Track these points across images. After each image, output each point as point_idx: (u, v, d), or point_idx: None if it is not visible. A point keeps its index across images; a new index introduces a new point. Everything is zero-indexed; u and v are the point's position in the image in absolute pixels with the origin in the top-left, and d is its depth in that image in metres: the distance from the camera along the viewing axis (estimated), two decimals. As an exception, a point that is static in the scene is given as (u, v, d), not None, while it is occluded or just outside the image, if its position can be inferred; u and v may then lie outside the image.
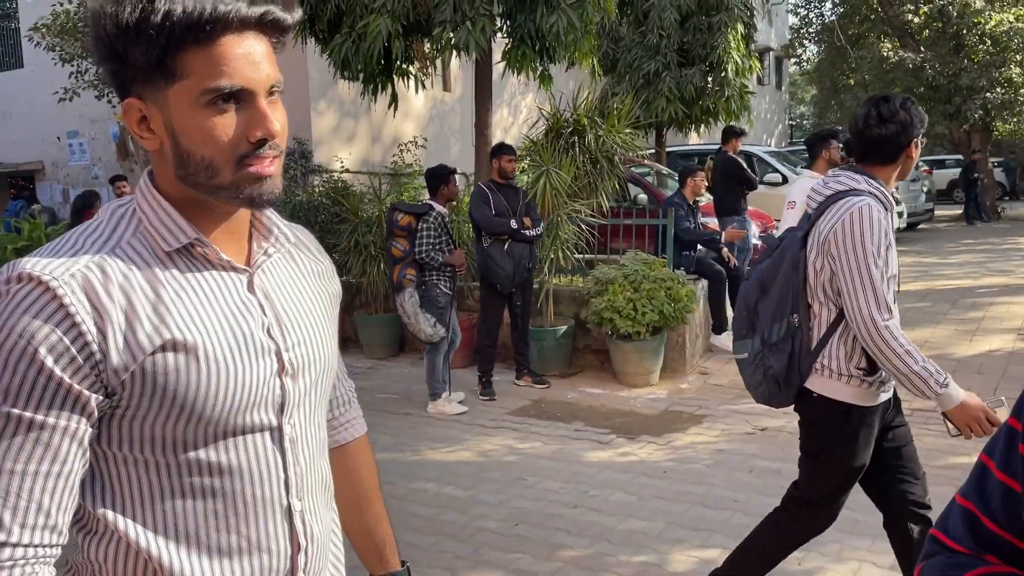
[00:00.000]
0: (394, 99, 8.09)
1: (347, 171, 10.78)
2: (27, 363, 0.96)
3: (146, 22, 0.96)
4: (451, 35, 6.95)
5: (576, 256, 7.39)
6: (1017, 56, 19.03)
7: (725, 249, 7.81)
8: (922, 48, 19.33)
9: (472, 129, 8.70)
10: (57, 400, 0.98)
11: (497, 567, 3.69)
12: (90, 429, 1.02)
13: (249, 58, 1.02)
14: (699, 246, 7.72)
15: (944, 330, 7.90)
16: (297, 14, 1.12)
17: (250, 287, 1.13)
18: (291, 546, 1.17)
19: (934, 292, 9.87)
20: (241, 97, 1.03)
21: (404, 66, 8.00)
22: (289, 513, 1.17)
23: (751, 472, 4.67)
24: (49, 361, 0.96)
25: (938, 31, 19.78)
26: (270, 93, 1.07)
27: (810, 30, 24.88)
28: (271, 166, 1.07)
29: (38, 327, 0.96)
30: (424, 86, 8.48)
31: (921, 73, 18.94)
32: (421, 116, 14.24)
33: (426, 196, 6.60)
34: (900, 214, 13.96)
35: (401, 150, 11.46)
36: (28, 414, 0.96)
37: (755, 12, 11.97)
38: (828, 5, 23.72)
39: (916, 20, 19.86)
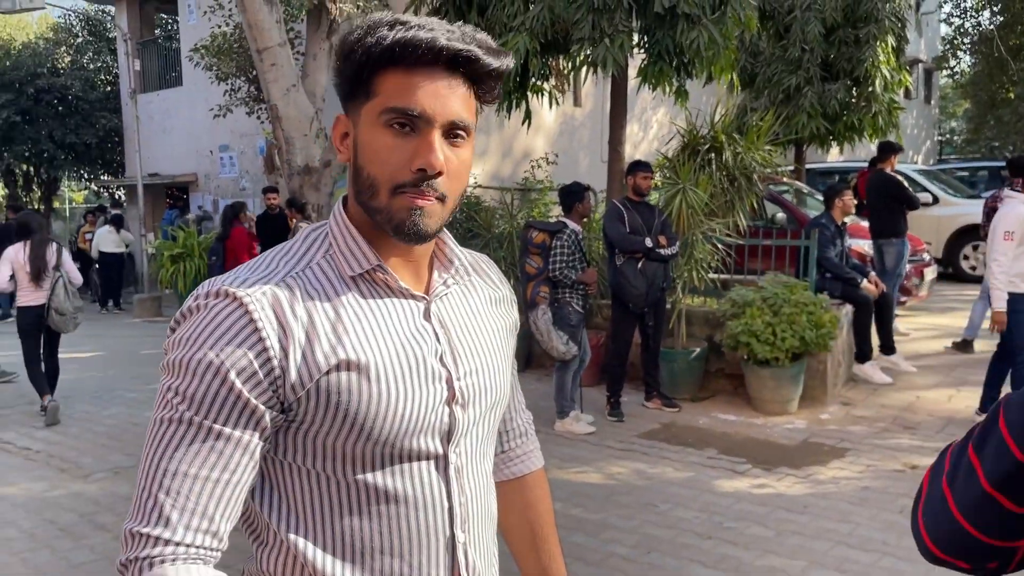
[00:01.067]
0: (527, 115, 8.15)
1: (479, 186, 10.92)
2: (213, 374, 1.02)
3: (360, 44, 1.04)
4: (588, 52, 6.94)
5: (711, 276, 7.23)
6: None
7: (872, 275, 7.48)
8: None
9: (601, 144, 8.69)
10: (235, 413, 1.03)
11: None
12: (262, 443, 1.07)
13: (435, 90, 1.04)
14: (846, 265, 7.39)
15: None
16: (508, 61, 1.11)
17: (426, 315, 1.16)
18: None
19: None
20: (417, 126, 1.05)
21: (539, 83, 8.06)
22: (452, 544, 1.17)
23: (900, 512, 4.41)
24: (233, 375, 1.02)
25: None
26: (452, 133, 1.08)
27: (965, 40, 23.60)
28: (427, 202, 1.07)
29: (228, 342, 1.02)
30: (558, 102, 8.51)
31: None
32: (551, 131, 14.32)
33: (556, 212, 6.62)
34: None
35: (533, 166, 11.52)
36: (207, 422, 1.02)
37: (907, 23, 11.44)
38: (987, 14, 22.36)
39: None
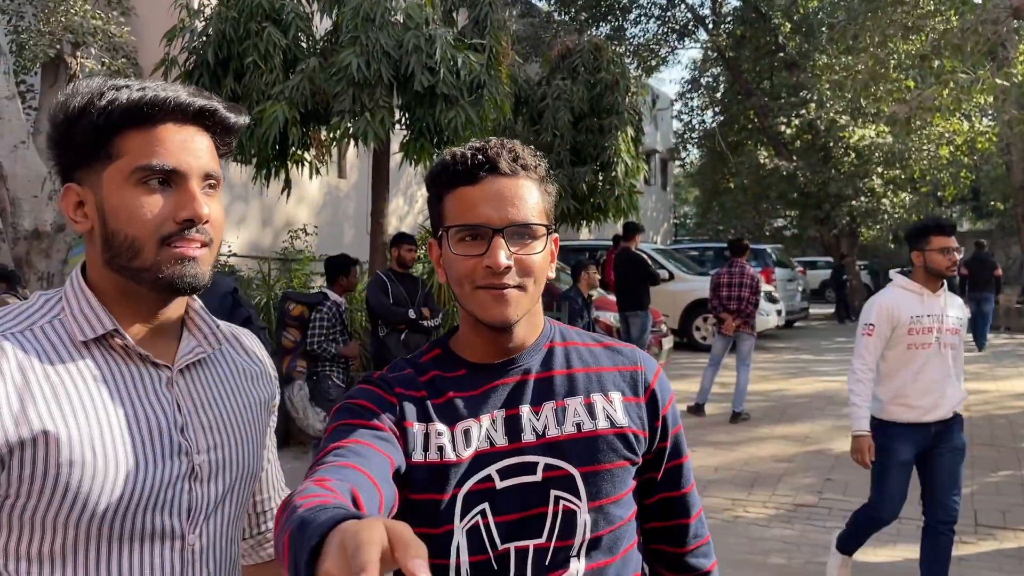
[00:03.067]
0: (287, 185, 7.95)
1: (235, 255, 10.46)
2: None
3: (92, 106, 1.00)
4: (349, 125, 6.93)
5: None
6: (879, 168, 20.43)
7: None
8: (794, 157, 20.56)
9: (367, 216, 8.64)
10: None
11: None
12: None
13: (185, 144, 1.04)
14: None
15: (823, 425, 8.15)
16: (245, 118, 1.15)
17: (169, 384, 1.09)
18: None
19: (813, 388, 10.24)
20: (173, 180, 1.03)
21: (300, 152, 7.92)
22: None
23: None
24: None
25: (808, 142, 21.12)
26: (207, 184, 1.07)
27: (693, 135, 26.16)
28: (197, 250, 1.05)
29: None
30: (319, 172, 8.39)
31: (794, 180, 20.09)
32: (315, 201, 14.09)
33: (319, 283, 6.44)
34: (779, 312, 14.51)
35: (292, 236, 11.23)
36: None
37: (643, 116, 12.45)
38: (710, 113, 25.05)
39: (788, 131, 21.16)
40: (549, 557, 1.18)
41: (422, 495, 1.17)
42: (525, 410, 1.22)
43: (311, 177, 8.33)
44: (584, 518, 1.19)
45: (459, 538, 1.17)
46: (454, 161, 1.19)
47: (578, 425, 1.22)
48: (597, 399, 1.25)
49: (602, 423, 1.23)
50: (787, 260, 19.11)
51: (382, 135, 7.01)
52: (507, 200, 1.16)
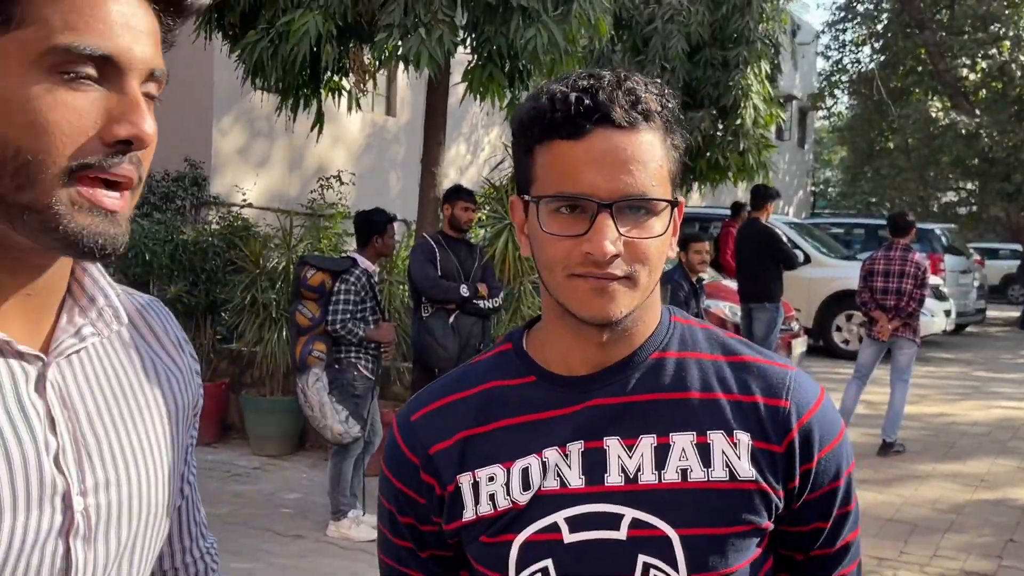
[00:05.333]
0: (319, 118, 7.89)
1: (250, 206, 10.49)
2: None
3: None
4: (399, 43, 6.77)
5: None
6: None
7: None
8: (978, 112, 19.82)
9: (415, 160, 8.51)
10: None
11: None
12: None
13: (126, 21, 0.85)
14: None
15: (1005, 465, 7.78)
16: None
17: (39, 385, 0.90)
18: None
19: (991, 415, 9.77)
20: (106, 74, 0.84)
21: (336, 78, 7.83)
22: None
23: None
24: None
25: (998, 93, 20.36)
26: (146, 87, 0.88)
27: (843, 79, 25.49)
28: (117, 197, 0.86)
29: None
30: (360, 106, 8.29)
31: (976, 142, 19.39)
32: (355, 144, 14.15)
33: (352, 246, 6.31)
34: (947, 312, 13.92)
35: (323, 185, 11.20)
36: None
37: (780, 49, 12.08)
38: (867, 50, 24.23)
39: (972, 77, 20.44)
40: None
41: (489, 539, 1.15)
42: (613, 443, 1.13)
43: (350, 111, 8.23)
44: None
45: None
46: (551, 104, 1.07)
47: (684, 472, 1.11)
48: (716, 439, 1.13)
49: (718, 472, 1.11)
50: (961, 246, 18.48)
51: (439, 58, 6.79)
52: (620, 164, 1.06)
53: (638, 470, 1.11)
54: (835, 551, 1.21)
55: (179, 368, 1.12)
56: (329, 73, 7.64)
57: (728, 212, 11.41)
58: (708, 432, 1.12)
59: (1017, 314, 20.29)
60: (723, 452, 1.11)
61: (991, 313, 20.52)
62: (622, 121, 1.05)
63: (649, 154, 1.07)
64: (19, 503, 0.85)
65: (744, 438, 1.12)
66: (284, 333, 7.25)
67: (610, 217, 1.04)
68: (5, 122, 0.82)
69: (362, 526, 5.75)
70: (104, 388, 0.99)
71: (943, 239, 16.85)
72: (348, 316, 5.60)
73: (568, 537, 1.11)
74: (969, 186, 23.02)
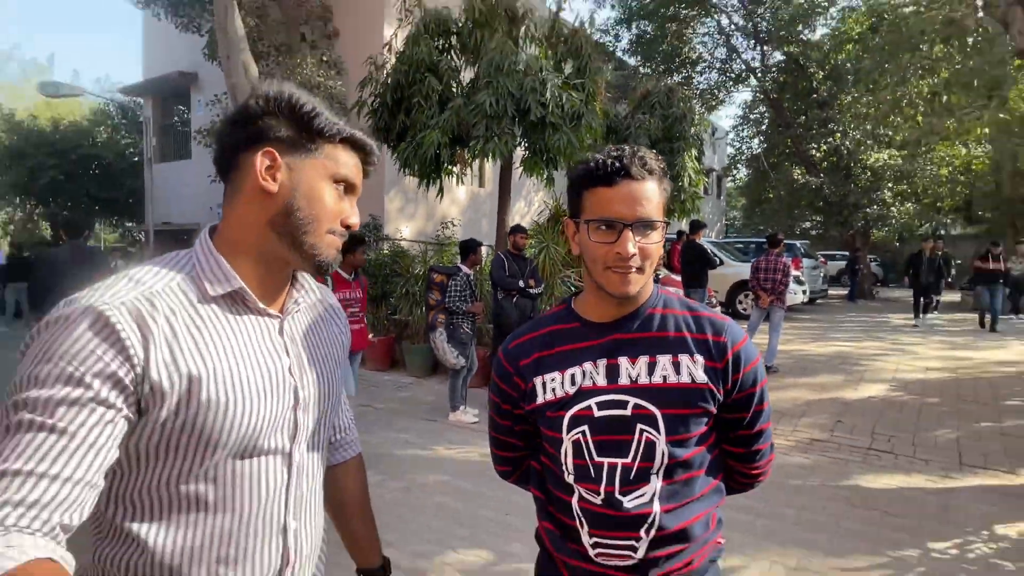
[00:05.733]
0: (441, 190, 7.90)
1: (404, 239, 10.59)
2: (66, 381, 0.74)
3: (318, 114, 0.93)
4: (483, 146, 6.78)
5: (566, 310, 7.09)
6: (889, 184, 18.74)
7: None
8: (822, 174, 19.06)
9: (495, 214, 8.50)
10: (86, 413, 0.74)
11: (491, 548, 3.33)
12: (113, 443, 0.76)
13: (359, 169, 0.99)
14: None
15: (836, 379, 7.50)
16: (376, 154, 1.06)
17: (280, 331, 0.97)
18: (280, 561, 0.94)
19: (829, 350, 9.44)
20: (349, 191, 0.98)
21: (449, 167, 7.86)
22: (284, 531, 0.94)
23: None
24: (89, 378, 0.75)
25: (833, 163, 19.54)
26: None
27: (742, 158, 24.71)
28: (337, 249, 0.98)
29: (88, 349, 0.76)
30: (463, 182, 8.31)
31: (820, 192, 18.63)
32: (462, 202, 14.11)
33: (459, 260, 6.36)
34: (804, 291, 13.52)
35: (444, 227, 11.26)
36: (57, 422, 0.72)
37: (704, 142, 11.80)
38: (756, 141, 23.47)
39: (818, 155, 19.69)
40: (633, 473, 1.11)
41: (552, 414, 1.15)
42: (623, 361, 1.13)
43: (458, 184, 8.28)
44: (662, 448, 1.10)
45: (567, 446, 1.14)
46: (595, 166, 1.09)
47: (664, 377, 1.12)
48: (683, 359, 1.13)
49: (684, 378, 1.12)
50: (812, 253, 17.97)
51: (506, 153, 6.82)
52: (636, 200, 1.07)
53: (638, 376, 1.12)
54: (753, 432, 1.21)
55: (340, 322, 1.14)
56: (446, 164, 7.65)
57: (675, 236, 11.19)
58: (679, 355, 1.13)
59: (846, 292, 19.57)
60: (688, 366, 1.12)
61: (831, 292, 19.84)
62: (637, 175, 1.07)
63: (652, 194, 1.08)
64: (273, 392, 0.92)
65: (700, 359, 1.13)
66: (422, 309, 7.30)
67: (630, 232, 1.07)
68: (304, 198, 0.92)
69: (467, 415, 5.80)
70: (309, 331, 1.03)
71: (802, 249, 16.46)
72: (457, 298, 5.63)
73: (597, 413, 1.12)
74: (817, 218, 22.15)
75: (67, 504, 0.72)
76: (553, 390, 1.14)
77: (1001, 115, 6.96)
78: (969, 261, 23.43)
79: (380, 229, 11.61)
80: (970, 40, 6.28)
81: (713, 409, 1.13)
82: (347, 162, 0.96)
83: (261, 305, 0.94)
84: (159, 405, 0.81)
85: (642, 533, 1.10)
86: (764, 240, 10.11)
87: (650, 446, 1.10)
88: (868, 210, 18.43)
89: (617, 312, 1.15)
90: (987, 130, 8.19)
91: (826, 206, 19.28)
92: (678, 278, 8.83)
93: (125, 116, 20.68)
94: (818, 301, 17.52)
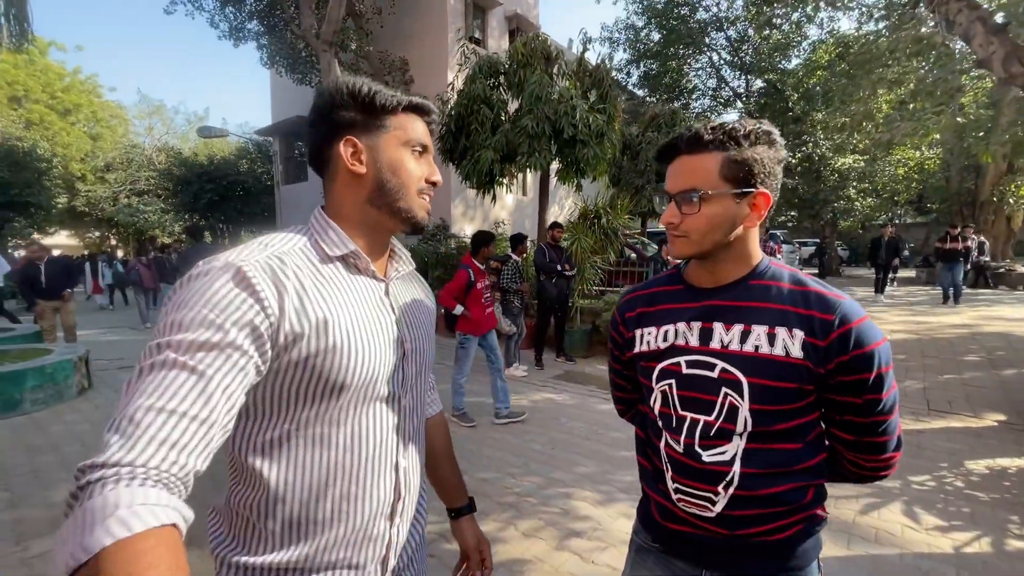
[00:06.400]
0: (494, 197, 7.74)
1: (467, 237, 10.49)
2: (207, 326, 0.65)
3: (382, 93, 0.81)
4: (527, 161, 6.55)
5: (594, 288, 6.85)
6: (853, 183, 17.56)
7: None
8: (797, 177, 17.99)
9: (537, 215, 8.29)
10: (223, 357, 0.64)
11: (540, 475, 3.20)
12: (246, 387, 0.67)
13: (427, 132, 0.87)
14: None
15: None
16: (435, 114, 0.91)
17: (386, 292, 0.86)
18: (393, 494, 0.84)
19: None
20: (424, 152, 0.85)
21: (500, 179, 7.68)
22: (396, 468, 0.84)
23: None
24: (229, 324, 0.66)
25: (806, 167, 18.42)
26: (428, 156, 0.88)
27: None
28: (429, 203, 0.86)
29: (227, 298, 0.67)
30: (511, 191, 8.11)
31: (796, 192, 17.62)
32: (509, 207, 13.89)
33: (509, 250, 6.19)
34: (783, 271, 12.80)
35: (496, 226, 11.09)
36: (193, 363, 0.63)
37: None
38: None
39: (793, 161, 18.59)
40: (714, 430, 0.91)
41: (645, 363, 0.99)
42: (718, 326, 0.92)
43: (506, 193, 8.08)
44: (744, 414, 0.88)
45: (656, 394, 0.97)
46: (660, 148, 0.93)
47: (756, 347, 0.89)
48: (780, 332, 0.88)
49: (778, 351, 0.87)
50: (789, 240, 17.07)
51: (545, 166, 6.58)
52: (678, 174, 0.88)
53: (730, 342, 0.90)
54: (868, 422, 0.90)
55: (429, 293, 1.01)
56: (498, 177, 7.49)
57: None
58: (776, 327, 0.88)
59: (816, 271, 18.51)
60: (784, 340, 0.87)
61: (805, 271, 18.77)
62: (687, 150, 0.89)
63: (700, 166, 0.87)
64: (385, 343, 0.81)
65: (799, 333, 0.87)
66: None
67: (674, 203, 0.89)
68: (391, 171, 0.81)
69: (518, 370, 5.65)
70: (408, 296, 0.91)
71: (780, 236, 15.78)
72: (509, 280, 5.48)
73: (684, 370, 0.93)
74: (792, 213, 21.04)
75: (202, 447, 0.62)
76: (648, 343, 0.98)
77: (958, 119, 6.30)
78: (919, 244, 21.88)
79: (448, 229, 11.53)
80: (934, 54, 5.68)
81: (810, 387, 0.87)
82: (415, 127, 0.84)
83: (372, 268, 0.84)
84: (293, 348, 0.71)
85: (720, 488, 0.90)
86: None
87: (733, 410, 0.89)
88: (835, 205, 17.35)
89: (716, 279, 0.94)
90: (938, 134, 7.45)
91: (800, 203, 18.20)
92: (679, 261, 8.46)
93: (260, 151, 21.24)
94: (794, 279, 16.63)
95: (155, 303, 9.72)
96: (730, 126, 0.87)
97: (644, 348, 0.99)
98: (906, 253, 16.61)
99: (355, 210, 0.83)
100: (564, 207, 16.44)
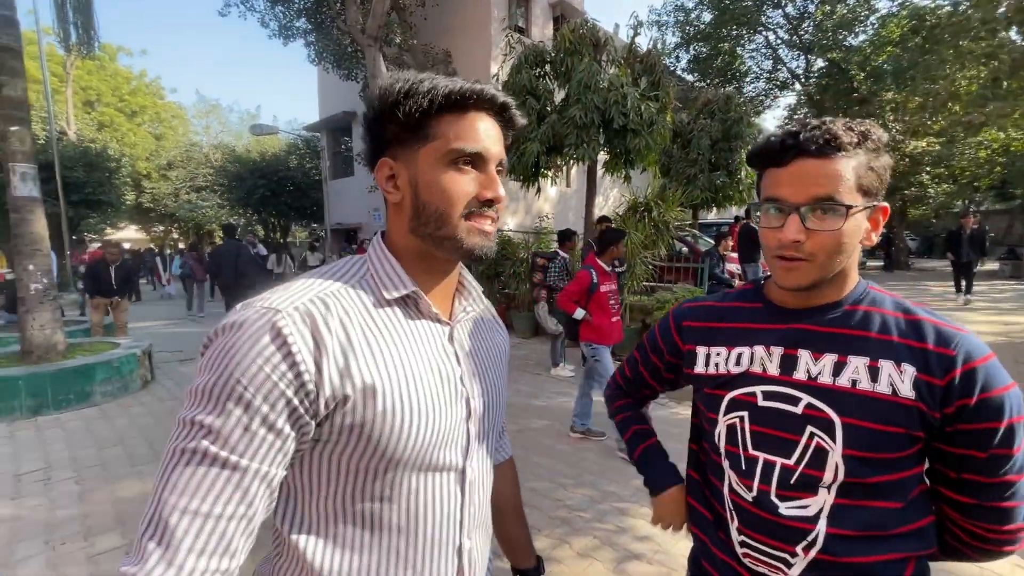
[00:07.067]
0: (539, 190, 7.56)
1: (510, 230, 10.34)
2: (237, 402, 0.56)
3: (415, 91, 0.64)
4: (574, 152, 6.32)
5: (645, 284, 6.56)
6: (926, 168, 16.19)
7: (738, 284, 6.75)
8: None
9: (582, 207, 8.05)
10: (259, 443, 0.56)
11: (593, 488, 3.04)
12: (285, 468, 0.59)
13: (488, 132, 0.67)
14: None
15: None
16: (524, 120, 0.72)
17: (450, 338, 0.71)
18: None
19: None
20: (477, 162, 0.66)
21: (545, 171, 7.47)
22: (459, 551, 0.71)
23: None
24: (260, 400, 0.56)
25: (872, 152, 17.13)
26: (499, 167, 0.69)
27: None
28: (490, 225, 0.68)
29: (257, 364, 0.57)
30: (555, 183, 7.90)
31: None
32: (552, 199, 13.64)
33: (555, 246, 6.00)
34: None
35: (540, 220, 10.88)
36: (229, 455, 0.55)
37: (757, 140, 10.64)
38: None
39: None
40: (795, 477, 0.76)
41: (708, 390, 0.85)
42: (804, 354, 0.77)
43: (552, 185, 7.88)
44: (836, 460, 0.73)
45: (721, 428, 0.83)
46: (767, 145, 0.75)
47: (854, 382, 0.74)
48: (885, 365, 0.73)
49: (883, 388, 0.73)
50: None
51: (593, 157, 6.35)
52: (810, 180, 0.71)
53: (819, 373, 0.76)
54: (993, 483, 0.73)
55: (501, 329, 0.86)
56: (542, 169, 7.30)
57: (732, 220, 10.20)
58: (880, 360, 0.73)
59: (882, 263, 17.27)
60: (889, 375, 0.73)
61: (869, 263, 17.65)
62: (816, 152, 0.72)
63: (838, 172, 0.71)
64: (447, 402, 0.68)
65: (910, 369, 0.72)
66: (526, 285, 7.04)
67: (797, 215, 0.72)
68: (428, 193, 0.66)
69: (565, 370, 5.49)
70: (476, 339, 0.77)
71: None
72: (556, 277, 5.31)
73: (761, 402, 0.79)
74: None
75: (243, 541, 0.57)
76: (717, 365, 0.84)
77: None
78: (1001, 233, 19.99)
79: (491, 223, 11.43)
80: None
81: (921, 434, 0.72)
82: (461, 129, 0.65)
83: (435, 310, 0.70)
84: (336, 416, 0.60)
85: (799, 550, 0.75)
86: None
87: (820, 453, 0.74)
88: (906, 192, 16.08)
89: (805, 301, 0.79)
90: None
91: (865, 190, 17.01)
92: (735, 255, 8.02)
93: (308, 146, 21.86)
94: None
95: (210, 295, 10.24)
96: (862, 127, 0.73)
97: (712, 371, 0.85)
98: (988, 245, 15.24)
99: (404, 240, 0.70)
100: (608, 200, 16.02)
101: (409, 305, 0.69)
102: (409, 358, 0.65)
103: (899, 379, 0.72)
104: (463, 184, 0.66)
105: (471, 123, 0.66)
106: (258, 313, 0.60)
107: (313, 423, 0.60)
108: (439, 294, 0.73)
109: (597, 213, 12.65)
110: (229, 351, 0.58)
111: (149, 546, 0.53)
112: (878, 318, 0.77)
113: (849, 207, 0.71)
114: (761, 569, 0.79)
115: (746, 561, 0.80)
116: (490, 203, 0.67)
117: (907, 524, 0.75)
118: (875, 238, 0.77)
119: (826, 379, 0.75)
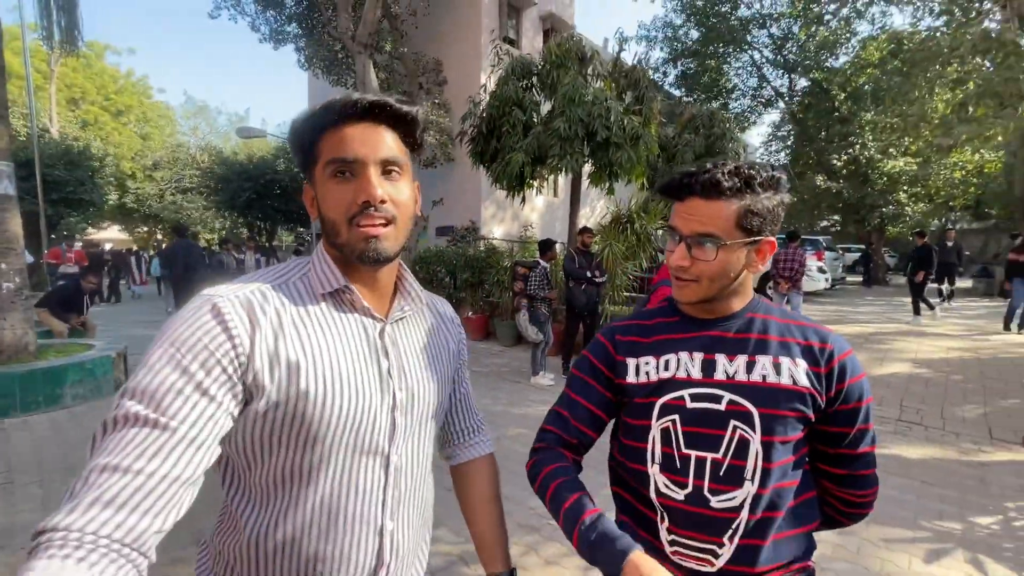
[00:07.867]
0: (524, 199, 7.63)
1: (495, 239, 10.42)
2: (173, 367, 0.60)
3: (309, 120, 0.70)
4: (558, 163, 6.41)
5: (626, 295, 6.65)
6: (904, 187, 16.66)
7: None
8: (841, 180, 17.20)
9: (568, 218, 8.13)
10: (189, 404, 0.60)
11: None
12: (214, 436, 0.62)
13: (362, 137, 0.69)
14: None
15: (860, 356, 6.59)
16: (417, 108, 0.74)
17: (381, 333, 0.76)
18: (375, 560, 0.74)
19: (851, 331, 8.43)
20: (354, 169, 0.69)
21: (530, 181, 7.56)
22: (380, 531, 0.74)
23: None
24: (195, 367, 0.61)
25: (852, 170, 17.60)
26: (386, 171, 0.71)
27: (769, 169, 22.83)
28: (378, 228, 0.70)
29: (196, 336, 0.62)
30: (541, 193, 7.99)
31: (841, 196, 16.85)
32: (539, 209, 13.74)
33: (538, 255, 6.07)
34: (827, 279, 12.27)
35: (526, 229, 10.99)
36: (155, 415, 0.58)
37: (740, 157, 10.84)
38: (783, 154, 21.54)
39: (839, 163, 17.80)
40: (723, 469, 0.84)
41: (638, 399, 0.90)
42: (721, 357, 0.88)
43: (537, 195, 7.97)
44: (756, 447, 0.84)
45: (655, 433, 0.89)
46: (670, 183, 0.87)
47: (764, 376, 0.86)
48: (784, 361, 0.86)
49: (785, 380, 0.85)
50: (833, 246, 16.42)
51: (576, 169, 6.44)
52: (693, 216, 0.84)
53: (735, 372, 0.87)
54: (857, 454, 0.90)
55: (453, 334, 0.91)
56: (528, 179, 7.38)
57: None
58: (780, 357, 0.87)
59: (861, 279, 17.66)
60: (789, 369, 0.86)
61: (848, 279, 18.03)
62: (703, 194, 0.84)
63: (718, 212, 0.83)
64: (370, 390, 0.72)
65: (803, 363, 0.86)
66: (510, 293, 7.08)
67: (684, 245, 0.84)
68: (324, 207, 0.72)
69: (545, 378, 5.53)
70: (413, 338, 0.81)
71: (824, 243, 15.04)
72: (536, 287, 5.36)
73: (689, 404, 0.87)
74: (836, 218, 20.16)
75: (160, 505, 0.57)
76: (647, 373, 0.91)
77: (1025, 123, 5.81)
78: (975, 252, 20.57)
79: (478, 231, 11.49)
80: (1001, 53, 5.24)
81: (811, 415, 0.86)
82: (331, 144, 0.69)
83: (367, 305, 0.75)
84: (262, 392, 0.65)
85: (726, 540, 0.83)
86: (784, 236, 9.22)
87: (743, 444, 0.84)
88: (884, 210, 16.50)
89: (711, 313, 0.91)
90: (1001, 138, 6.88)
91: (845, 207, 17.42)
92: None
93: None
94: (837, 287, 15.97)
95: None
96: (747, 172, 0.83)
97: (643, 379, 0.91)
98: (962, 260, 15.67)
99: (330, 252, 0.77)
100: (595, 210, 16.19)
101: (343, 300, 0.74)
102: (334, 346, 0.70)
103: (797, 371, 0.86)
104: (341, 193, 0.70)
105: (342, 134, 0.69)
106: (201, 298, 0.66)
107: (242, 395, 0.64)
108: (374, 294, 0.78)
109: (584, 223, 12.79)
110: (172, 327, 0.63)
111: (63, 500, 0.54)
112: (774, 324, 0.90)
113: (724, 243, 0.82)
114: (689, 564, 0.85)
115: (675, 558, 0.86)
116: (367, 204, 0.69)
117: (802, 496, 0.88)
118: (762, 267, 0.88)
119: (742, 377, 0.86)
